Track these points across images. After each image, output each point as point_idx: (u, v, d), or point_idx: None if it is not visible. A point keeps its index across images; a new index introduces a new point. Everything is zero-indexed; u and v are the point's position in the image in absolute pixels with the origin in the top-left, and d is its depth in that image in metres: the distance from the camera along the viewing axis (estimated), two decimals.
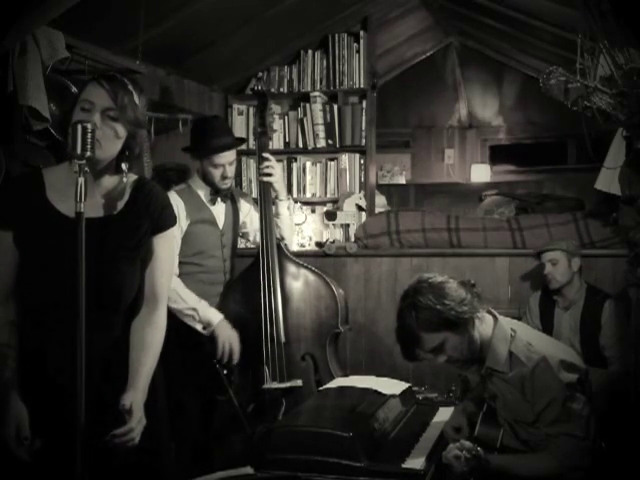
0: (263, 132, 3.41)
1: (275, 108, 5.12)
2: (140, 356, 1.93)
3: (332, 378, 3.12)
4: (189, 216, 3.20)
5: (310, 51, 5.12)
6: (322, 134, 5.08)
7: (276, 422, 2.70)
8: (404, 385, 2.92)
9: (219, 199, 3.32)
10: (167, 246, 2.02)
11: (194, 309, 3.10)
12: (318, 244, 4.60)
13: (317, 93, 5.08)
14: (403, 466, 2.19)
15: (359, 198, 5.01)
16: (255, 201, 3.50)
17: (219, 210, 3.34)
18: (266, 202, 3.32)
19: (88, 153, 1.72)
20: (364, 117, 5.03)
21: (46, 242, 1.86)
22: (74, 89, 3.12)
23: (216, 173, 3.24)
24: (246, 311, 3.21)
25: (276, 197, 3.38)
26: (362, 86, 5.07)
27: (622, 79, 2.63)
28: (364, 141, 5.04)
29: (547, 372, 2.19)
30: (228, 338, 3.12)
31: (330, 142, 5.09)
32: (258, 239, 3.36)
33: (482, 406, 2.37)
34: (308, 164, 5.16)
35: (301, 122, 5.13)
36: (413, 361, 2.37)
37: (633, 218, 2.82)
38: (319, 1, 4.58)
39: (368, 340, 4.24)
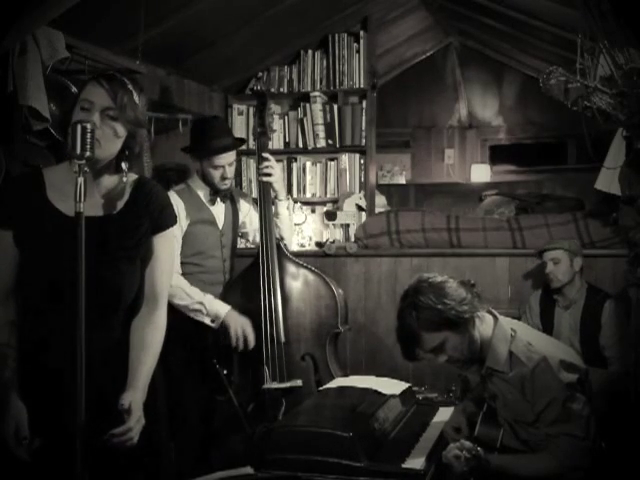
0: (263, 132, 3.41)
1: (275, 108, 5.12)
2: (140, 356, 1.93)
3: (332, 378, 3.12)
4: (189, 216, 3.20)
5: (310, 51, 5.12)
6: (322, 134, 5.08)
7: (276, 422, 2.70)
8: (404, 385, 2.92)
9: (219, 199, 3.32)
10: (167, 245, 2.02)
11: (201, 303, 3.12)
12: (318, 244, 4.60)
13: (317, 93, 5.07)
14: (403, 466, 2.19)
15: (359, 198, 5.00)
16: (255, 201, 3.50)
17: (219, 210, 3.34)
18: (266, 202, 3.32)
19: (88, 153, 1.72)
20: (364, 117, 5.03)
21: (46, 241, 1.87)
22: (74, 89, 3.12)
23: (216, 174, 3.25)
24: (246, 311, 3.20)
25: (275, 197, 3.38)
26: (362, 86, 5.07)
27: (622, 79, 2.63)
28: (364, 141, 5.04)
29: (547, 372, 2.19)
30: (240, 325, 3.13)
31: (330, 142, 5.09)
32: (257, 239, 3.36)
33: (482, 406, 2.37)
34: (308, 164, 5.16)
35: (301, 122, 5.13)
36: (413, 361, 2.37)
37: (633, 218, 2.82)
38: (319, 1, 4.58)
39: (368, 340, 4.24)
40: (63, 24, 3.04)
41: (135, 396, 1.86)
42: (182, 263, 3.18)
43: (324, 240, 4.77)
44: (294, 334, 3.24)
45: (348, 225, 4.94)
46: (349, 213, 4.94)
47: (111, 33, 3.52)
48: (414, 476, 2.13)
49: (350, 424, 2.28)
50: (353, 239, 4.60)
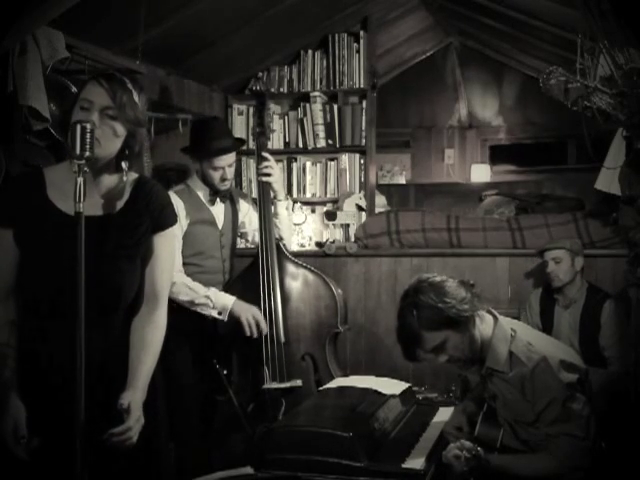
0: (262, 132, 3.41)
1: (275, 108, 5.13)
2: (140, 355, 1.93)
3: (332, 378, 3.12)
4: (189, 216, 3.20)
5: (310, 51, 5.12)
6: (322, 134, 5.08)
7: (276, 422, 2.71)
8: (404, 385, 2.92)
9: (218, 199, 3.32)
10: (167, 245, 2.02)
11: (207, 296, 3.12)
12: (318, 244, 4.60)
13: (317, 93, 5.07)
14: (403, 466, 2.19)
15: (359, 198, 5.00)
16: (254, 201, 3.50)
17: (218, 210, 3.34)
18: (265, 202, 3.32)
19: (87, 153, 1.72)
20: (364, 117, 5.03)
21: (46, 240, 1.87)
22: (74, 89, 3.12)
23: (215, 175, 3.25)
24: None
25: (275, 197, 3.38)
26: (362, 86, 5.07)
27: (622, 79, 2.63)
28: (364, 141, 5.04)
29: (547, 372, 2.19)
30: (250, 312, 3.13)
31: (330, 142, 5.08)
32: (257, 239, 3.37)
33: (482, 406, 2.38)
34: (308, 164, 5.16)
35: (301, 122, 5.13)
36: (414, 361, 2.37)
37: (633, 218, 2.82)
38: (319, 1, 4.58)
39: (368, 340, 4.24)
40: (63, 24, 3.04)
41: (135, 396, 1.85)
42: (182, 263, 3.18)
43: (324, 240, 4.77)
44: (294, 334, 3.25)
45: (348, 225, 4.94)
46: (349, 213, 4.94)
47: (111, 33, 3.52)
48: (414, 476, 2.13)
49: (350, 424, 2.29)
50: (353, 239, 4.60)
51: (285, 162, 5.15)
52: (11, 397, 1.83)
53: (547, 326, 3.72)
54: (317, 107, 5.05)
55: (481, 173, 7.46)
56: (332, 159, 5.12)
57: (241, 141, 3.59)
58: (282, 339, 3.19)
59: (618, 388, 3.14)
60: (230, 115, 5.16)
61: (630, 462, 2.44)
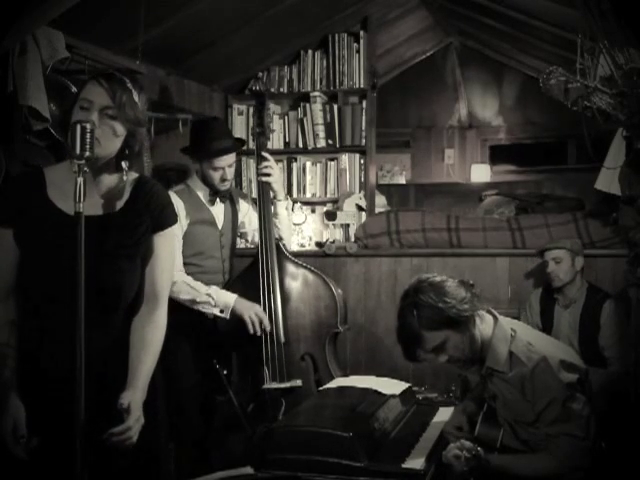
0: (261, 132, 3.41)
1: (275, 108, 5.13)
2: (140, 355, 1.93)
3: (331, 378, 3.12)
4: (189, 216, 3.21)
5: (310, 51, 5.12)
6: (322, 134, 5.08)
7: (276, 422, 2.70)
8: (404, 385, 2.92)
9: (218, 199, 3.32)
10: (167, 244, 2.02)
11: (208, 294, 3.13)
12: (318, 244, 4.60)
13: (317, 93, 5.07)
14: (403, 466, 2.19)
15: (359, 198, 5.00)
16: (254, 201, 3.50)
17: (218, 210, 3.34)
18: (265, 202, 3.32)
19: (87, 153, 1.72)
20: (364, 117, 5.03)
21: (46, 240, 1.87)
22: (74, 89, 3.12)
23: (216, 175, 3.25)
24: None
25: (274, 197, 3.38)
26: (362, 86, 5.07)
27: (622, 79, 2.63)
28: (364, 141, 5.04)
29: (547, 372, 2.19)
30: (254, 311, 3.14)
31: (330, 142, 5.08)
32: (256, 239, 3.37)
33: (482, 406, 2.37)
34: (308, 164, 5.15)
35: (301, 122, 5.12)
36: (414, 361, 2.37)
37: (633, 218, 2.82)
38: (319, 1, 4.58)
39: (368, 340, 4.24)
40: (63, 24, 3.04)
41: (135, 395, 1.85)
42: (182, 263, 3.18)
43: (324, 240, 4.77)
44: (294, 334, 3.25)
45: (348, 225, 4.94)
46: (349, 213, 4.94)
47: (111, 33, 3.52)
48: (414, 476, 2.13)
49: (350, 424, 2.29)
50: (353, 239, 4.60)
51: (285, 162, 5.15)
52: (11, 397, 1.83)
53: (547, 326, 3.72)
54: (317, 107, 5.05)
55: (481, 173, 7.46)
56: (332, 159, 5.12)
57: (241, 141, 3.59)
58: (282, 339, 3.19)
59: (618, 388, 3.14)
60: (230, 115, 5.16)
61: (630, 462, 2.44)
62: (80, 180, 1.70)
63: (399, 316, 2.30)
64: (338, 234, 5.00)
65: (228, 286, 3.28)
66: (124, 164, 1.92)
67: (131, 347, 1.94)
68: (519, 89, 7.01)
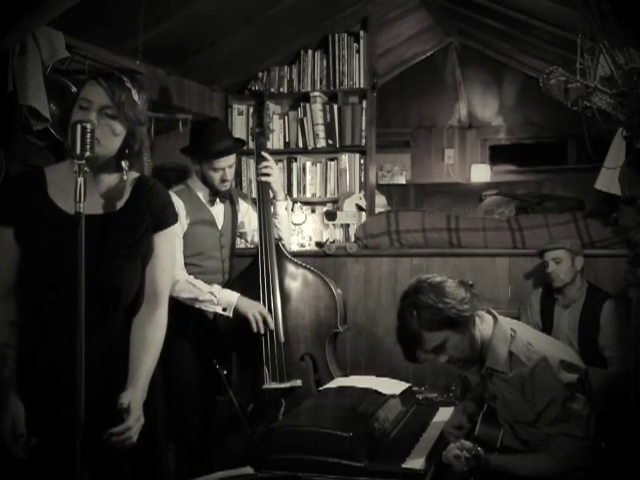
0: (261, 132, 3.41)
1: (275, 108, 5.13)
2: (140, 354, 1.93)
3: (331, 378, 3.12)
4: (189, 216, 3.20)
5: (310, 51, 5.12)
6: (322, 134, 5.08)
7: (276, 422, 2.70)
8: (404, 385, 2.92)
9: (218, 200, 3.32)
10: (168, 244, 2.03)
11: (211, 292, 3.13)
12: (318, 244, 4.60)
13: (317, 93, 5.07)
14: (403, 466, 2.19)
15: (359, 198, 5.00)
16: (254, 201, 3.50)
17: (218, 211, 3.34)
18: (264, 202, 3.32)
19: (87, 153, 1.73)
20: (364, 117, 5.03)
21: (47, 239, 1.87)
22: (74, 89, 3.12)
23: (216, 176, 3.25)
24: None
25: (274, 197, 3.38)
26: (362, 86, 5.07)
27: (622, 79, 2.62)
28: (364, 141, 5.04)
29: (547, 372, 2.19)
30: (257, 309, 3.14)
31: (330, 142, 5.08)
32: (256, 239, 3.37)
33: (482, 406, 2.38)
34: (308, 164, 5.15)
35: (301, 122, 5.12)
36: (414, 362, 2.37)
37: (633, 218, 2.82)
38: (319, 1, 4.58)
39: (368, 340, 4.23)
40: (63, 24, 3.04)
41: (135, 395, 1.85)
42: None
43: (324, 240, 4.77)
44: (293, 334, 3.25)
45: (348, 225, 4.94)
46: (349, 213, 4.94)
47: (111, 33, 3.52)
48: (414, 476, 2.13)
49: (350, 424, 2.29)
50: (353, 239, 4.59)
51: (285, 162, 5.15)
52: (10, 396, 1.83)
53: (547, 326, 3.72)
54: (317, 107, 5.05)
55: (481, 173, 7.46)
56: (332, 159, 5.12)
57: (241, 142, 3.59)
58: (282, 339, 3.19)
59: (618, 388, 3.13)
60: (230, 115, 5.16)
61: (630, 462, 2.44)
62: (80, 180, 1.70)
63: (399, 317, 2.30)
64: (338, 234, 5.00)
65: (228, 286, 3.28)
66: (124, 163, 1.92)
67: (131, 347, 1.94)
68: (519, 89, 7.01)
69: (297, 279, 3.32)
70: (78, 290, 1.68)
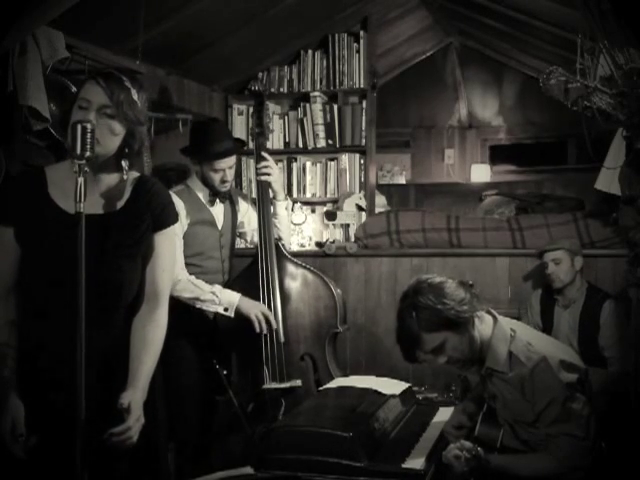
0: (260, 132, 3.42)
1: (275, 108, 5.13)
2: (140, 354, 1.93)
3: (331, 378, 3.13)
4: (189, 216, 3.20)
5: (310, 51, 5.12)
6: (322, 134, 5.08)
7: (276, 422, 2.71)
8: (404, 385, 2.92)
9: (218, 200, 3.32)
10: (168, 243, 2.02)
11: (213, 292, 3.12)
12: (318, 244, 4.60)
13: (317, 93, 5.07)
14: (403, 466, 2.19)
15: (359, 198, 5.00)
16: (254, 201, 3.50)
17: (218, 211, 3.34)
18: (264, 202, 3.32)
19: (88, 153, 1.73)
20: (364, 117, 5.03)
21: (47, 238, 1.87)
22: (74, 89, 3.12)
23: (216, 177, 3.25)
24: None
25: (274, 197, 3.38)
26: (362, 86, 5.07)
27: (622, 79, 2.62)
28: (364, 141, 5.04)
29: (547, 372, 2.19)
30: (259, 309, 3.14)
31: (330, 142, 5.08)
32: (255, 239, 3.37)
33: (482, 406, 2.37)
34: (308, 164, 5.15)
35: (301, 122, 5.12)
36: (413, 362, 2.37)
37: (633, 218, 2.81)
38: (319, 1, 4.58)
39: (368, 340, 4.23)
40: (63, 24, 3.04)
41: (135, 395, 1.85)
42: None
43: (324, 240, 4.77)
44: (293, 334, 3.25)
45: (348, 225, 4.94)
46: (349, 213, 4.94)
47: (111, 33, 3.52)
48: (414, 476, 2.13)
49: (350, 424, 2.29)
50: (353, 239, 4.60)
51: (285, 162, 5.15)
52: (10, 396, 1.83)
53: (547, 326, 3.72)
54: (317, 107, 5.05)
55: (481, 173, 7.46)
56: (332, 159, 5.12)
57: (241, 142, 3.59)
58: (282, 339, 3.19)
59: (618, 388, 3.13)
60: (230, 115, 5.16)
61: (630, 462, 2.44)
62: (80, 180, 1.70)
63: (398, 317, 2.30)
64: (338, 234, 5.00)
65: (227, 286, 3.28)
66: (124, 163, 1.92)
67: (131, 347, 1.94)
68: (519, 89, 7.01)
69: (297, 279, 3.32)
70: (78, 290, 1.68)
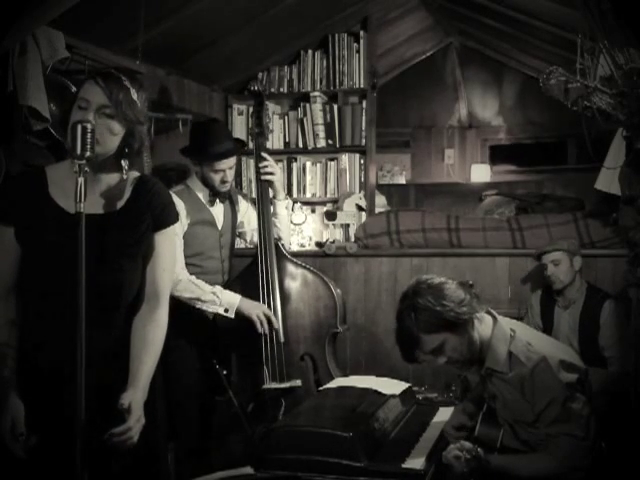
0: (260, 132, 3.42)
1: (275, 108, 5.13)
2: (141, 354, 1.92)
3: (331, 378, 3.13)
4: (189, 216, 3.20)
5: (310, 51, 5.12)
6: (322, 134, 5.08)
7: (276, 422, 2.70)
8: (404, 385, 2.92)
9: (218, 200, 3.32)
10: (168, 243, 2.03)
11: (213, 292, 3.12)
12: (318, 244, 4.60)
13: (317, 93, 5.07)
14: (403, 466, 2.19)
15: (359, 198, 5.00)
16: (254, 202, 3.50)
17: (218, 211, 3.34)
18: (264, 202, 3.32)
19: (88, 153, 1.73)
20: (364, 117, 5.03)
21: (48, 238, 1.87)
22: (74, 89, 3.12)
23: (216, 178, 3.25)
24: None
25: (274, 197, 3.38)
26: (362, 86, 5.07)
27: (622, 79, 2.62)
28: (364, 141, 5.04)
29: (547, 372, 2.19)
30: (261, 310, 3.14)
31: (330, 142, 5.08)
32: (255, 239, 3.37)
33: (482, 406, 2.37)
34: (308, 164, 5.15)
35: (301, 122, 5.12)
36: (413, 363, 2.37)
37: (633, 218, 2.81)
38: (319, 1, 4.58)
39: (368, 340, 4.23)
40: (63, 24, 3.04)
41: (135, 395, 1.85)
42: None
43: (324, 240, 4.77)
44: (293, 334, 3.25)
45: (348, 225, 4.94)
46: (349, 213, 4.94)
47: (111, 33, 3.52)
48: (414, 476, 2.14)
49: (350, 424, 2.29)
50: (353, 239, 4.60)
51: (285, 162, 5.15)
52: (10, 396, 1.83)
53: (547, 327, 3.72)
54: (317, 107, 5.05)
55: (481, 173, 7.46)
56: (332, 159, 5.12)
57: (242, 143, 3.59)
58: (282, 339, 3.19)
59: (618, 388, 3.13)
60: (230, 115, 5.16)
61: (630, 462, 2.43)
62: (81, 180, 1.70)
63: (397, 318, 2.30)
64: (338, 234, 5.00)
65: (227, 286, 3.28)
66: (124, 163, 1.92)
67: (132, 346, 1.94)
68: (519, 89, 7.01)
69: (297, 279, 3.32)
70: (78, 289, 1.68)
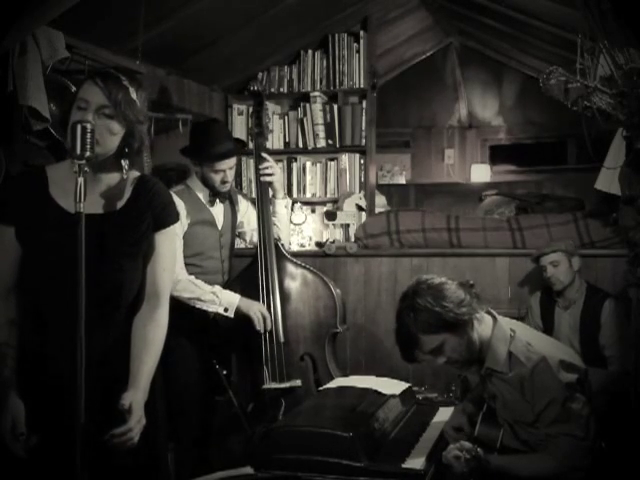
0: (260, 132, 3.41)
1: (275, 108, 5.13)
2: (141, 354, 1.92)
3: (331, 378, 3.13)
4: (189, 216, 3.20)
5: (310, 51, 5.12)
6: (322, 134, 5.08)
7: (276, 422, 2.70)
8: (404, 385, 2.92)
9: (218, 200, 3.32)
10: (169, 243, 2.03)
11: (213, 292, 3.13)
12: (318, 244, 4.60)
13: (317, 93, 5.07)
14: (403, 466, 2.19)
15: (359, 198, 5.00)
16: (253, 202, 3.50)
17: (218, 211, 3.34)
18: (264, 202, 3.32)
19: (88, 153, 1.73)
20: (364, 117, 5.03)
21: (48, 237, 1.87)
22: (74, 89, 3.12)
23: (216, 178, 3.25)
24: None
25: (273, 196, 3.38)
26: (362, 86, 5.07)
27: (622, 79, 2.63)
28: (364, 141, 5.04)
29: (547, 372, 2.19)
30: (258, 308, 3.15)
31: (330, 142, 5.08)
32: (255, 239, 3.37)
33: (482, 406, 2.37)
34: (308, 164, 5.15)
35: (301, 122, 5.12)
36: (412, 362, 2.37)
37: (633, 218, 2.81)
38: (319, 1, 4.58)
39: (368, 340, 4.23)
40: (63, 24, 3.04)
41: (136, 396, 1.85)
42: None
43: (324, 240, 4.77)
44: (293, 334, 3.25)
45: (348, 225, 4.94)
46: (349, 213, 4.93)
47: (111, 33, 3.52)
48: (414, 476, 2.14)
49: (350, 424, 2.29)
50: (353, 239, 4.59)
51: (285, 162, 5.15)
52: (10, 395, 1.83)
53: (548, 327, 3.72)
54: (317, 107, 5.05)
55: (481, 173, 7.46)
56: (332, 159, 5.12)
57: (242, 143, 3.58)
58: (281, 339, 3.19)
59: (618, 388, 3.13)
60: (230, 115, 5.16)
61: (630, 462, 2.43)
62: (81, 180, 1.70)
63: (397, 319, 2.30)
64: (338, 234, 4.99)
65: (227, 286, 3.28)
66: (124, 162, 1.92)
67: (132, 346, 1.94)
68: (519, 89, 7.01)
69: (296, 279, 3.32)
70: (79, 289, 1.68)
